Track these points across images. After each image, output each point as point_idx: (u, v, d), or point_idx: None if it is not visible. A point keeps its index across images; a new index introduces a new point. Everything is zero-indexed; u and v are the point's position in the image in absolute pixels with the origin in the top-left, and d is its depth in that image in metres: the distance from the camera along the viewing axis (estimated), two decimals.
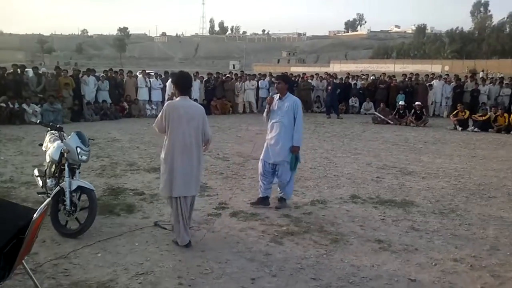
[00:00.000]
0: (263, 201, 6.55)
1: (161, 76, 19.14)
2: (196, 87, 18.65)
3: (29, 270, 3.47)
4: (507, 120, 15.40)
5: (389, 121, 16.87)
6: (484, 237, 5.54)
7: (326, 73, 23.17)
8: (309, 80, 21.37)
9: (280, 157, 6.40)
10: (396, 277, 4.41)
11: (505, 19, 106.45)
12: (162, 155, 5.03)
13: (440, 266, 4.68)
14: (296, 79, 21.20)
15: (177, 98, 5.10)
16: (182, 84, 5.15)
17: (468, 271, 4.58)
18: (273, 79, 17.50)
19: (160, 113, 5.08)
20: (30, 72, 17.03)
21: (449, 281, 4.34)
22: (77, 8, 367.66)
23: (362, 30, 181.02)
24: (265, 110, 6.61)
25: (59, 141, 5.80)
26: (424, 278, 4.40)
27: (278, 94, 6.54)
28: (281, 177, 6.47)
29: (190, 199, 5.12)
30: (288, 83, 6.62)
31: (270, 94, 18.97)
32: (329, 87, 19.16)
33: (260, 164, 6.62)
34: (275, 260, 4.73)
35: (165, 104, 5.12)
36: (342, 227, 5.76)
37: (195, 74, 19.63)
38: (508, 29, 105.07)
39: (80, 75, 17.06)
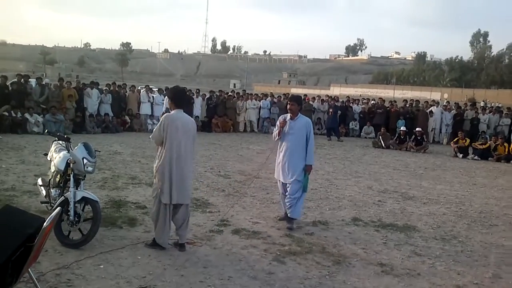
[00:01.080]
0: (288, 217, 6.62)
1: (163, 92, 19.28)
2: (198, 104, 18.88)
3: (34, 279, 3.45)
4: (506, 150, 15.50)
5: (390, 146, 16.97)
6: (486, 265, 5.53)
7: (327, 95, 23.31)
8: (311, 102, 21.50)
9: (291, 177, 6.44)
10: None
11: (504, 50, 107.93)
12: (157, 164, 5.23)
13: None
14: None
15: (173, 111, 5.37)
16: (177, 98, 5.47)
17: None
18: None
19: (158, 125, 5.31)
20: (33, 82, 17.11)
21: None
22: (81, 22, 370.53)
23: (362, 55, 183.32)
24: (276, 130, 6.65)
25: (65, 151, 5.82)
26: None
27: (289, 115, 6.60)
28: (291, 193, 6.46)
29: (184, 208, 5.33)
30: (300, 105, 6.84)
31: (271, 113, 19.76)
32: (331, 110, 19.25)
33: (278, 184, 6.81)
34: (277, 279, 4.71)
35: (163, 116, 5.34)
36: (344, 249, 5.75)
37: (196, 91, 19.83)
38: (507, 60, 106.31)
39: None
